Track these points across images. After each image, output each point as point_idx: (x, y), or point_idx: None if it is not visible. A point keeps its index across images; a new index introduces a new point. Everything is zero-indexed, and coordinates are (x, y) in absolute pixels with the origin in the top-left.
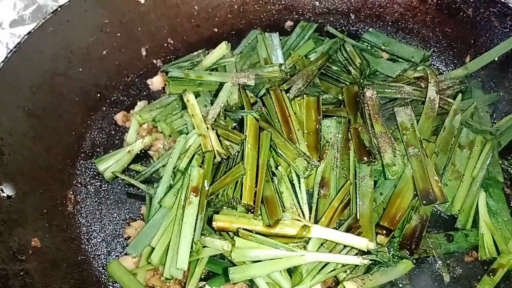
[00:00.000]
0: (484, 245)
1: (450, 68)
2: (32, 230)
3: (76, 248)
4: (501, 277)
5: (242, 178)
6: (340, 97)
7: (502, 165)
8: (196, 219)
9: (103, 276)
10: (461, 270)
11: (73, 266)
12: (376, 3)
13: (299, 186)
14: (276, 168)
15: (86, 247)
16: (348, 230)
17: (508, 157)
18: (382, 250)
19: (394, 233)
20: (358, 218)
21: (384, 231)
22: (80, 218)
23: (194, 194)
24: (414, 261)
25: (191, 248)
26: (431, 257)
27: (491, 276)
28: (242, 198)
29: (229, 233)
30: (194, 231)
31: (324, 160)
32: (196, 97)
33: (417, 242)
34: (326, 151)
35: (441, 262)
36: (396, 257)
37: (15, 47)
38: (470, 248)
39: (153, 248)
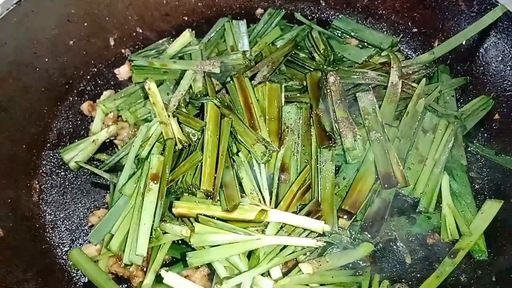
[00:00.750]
0: (446, 227)
1: (420, 53)
2: None
3: (41, 237)
4: (462, 258)
5: (201, 164)
6: (305, 83)
7: (467, 149)
8: (156, 206)
9: (66, 264)
10: (423, 252)
11: (37, 255)
12: None
13: (260, 172)
14: (237, 154)
15: (50, 235)
16: (308, 214)
17: (474, 140)
18: (340, 233)
19: (356, 216)
20: (319, 202)
21: (346, 215)
22: (44, 207)
23: (154, 181)
24: (376, 244)
25: (151, 234)
26: (393, 239)
27: (452, 258)
28: (201, 184)
29: (190, 219)
30: (154, 217)
31: (284, 145)
32: (159, 85)
33: (378, 225)
34: (286, 137)
35: (403, 244)
36: (357, 240)
37: None
38: (432, 231)
39: (112, 235)
